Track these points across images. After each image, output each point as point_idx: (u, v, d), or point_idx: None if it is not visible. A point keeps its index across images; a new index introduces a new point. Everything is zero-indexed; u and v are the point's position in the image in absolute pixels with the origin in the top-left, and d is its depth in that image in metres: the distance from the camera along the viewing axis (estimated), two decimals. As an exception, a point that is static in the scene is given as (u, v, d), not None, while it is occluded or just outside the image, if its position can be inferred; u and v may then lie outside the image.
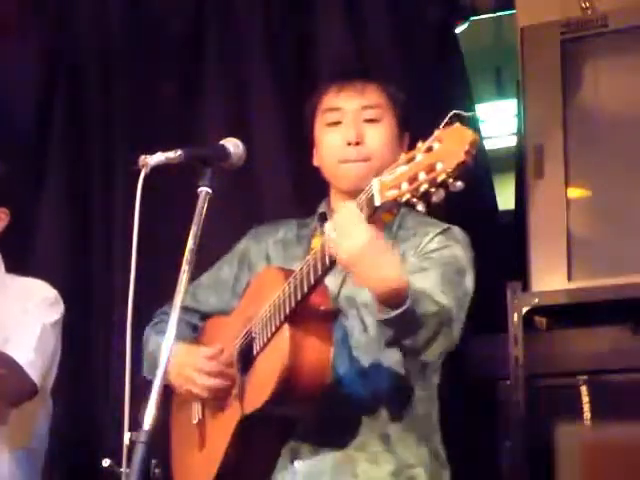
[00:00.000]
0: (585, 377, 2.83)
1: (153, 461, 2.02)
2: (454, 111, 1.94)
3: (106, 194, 3.66)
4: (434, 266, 2.34)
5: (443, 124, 1.94)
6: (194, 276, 2.11)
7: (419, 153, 1.89)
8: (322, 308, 2.24)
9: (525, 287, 2.94)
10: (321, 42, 3.46)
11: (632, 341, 2.84)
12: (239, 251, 2.66)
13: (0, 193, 2.95)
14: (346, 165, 2.48)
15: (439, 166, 1.84)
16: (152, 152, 2.16)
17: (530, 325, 3.00)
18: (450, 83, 3.39)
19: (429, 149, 1.88)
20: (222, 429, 2.42)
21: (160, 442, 2.02)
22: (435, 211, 2.05)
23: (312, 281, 2.16)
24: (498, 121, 5.06)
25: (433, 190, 1.87)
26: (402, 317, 2.08)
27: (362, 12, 3.42)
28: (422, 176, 1.87)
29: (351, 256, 2.04)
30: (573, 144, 2.96)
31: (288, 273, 2.27)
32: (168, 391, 2.40)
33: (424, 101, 3.33)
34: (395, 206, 1.97)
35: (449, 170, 1.84)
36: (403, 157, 1.94)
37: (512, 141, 3.74)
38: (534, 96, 3.05)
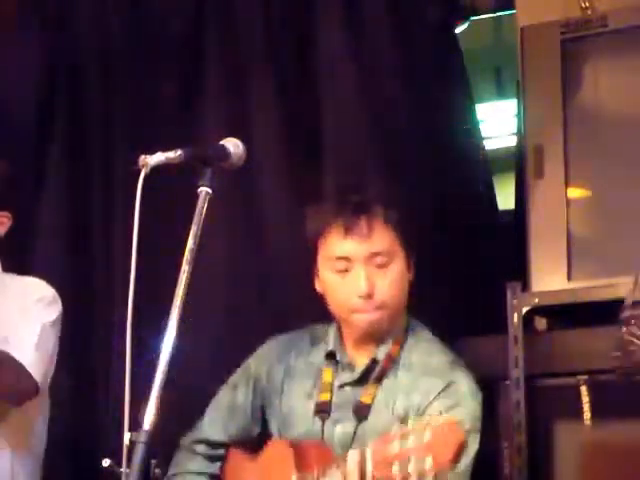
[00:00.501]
0: (585, 377, 2.83)
1: (153, 461, 2.01)
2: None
3: (106, 194, 3.66)
4: None
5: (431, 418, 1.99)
6: (194, 276, 2.11)
7: (412, 435, 1.92)
8: None
9: (525, 287, 2.93)
10: (321, 42, 3.46)
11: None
12: (252, 375, 2.69)
13: (1, 196, 2.94)
14: (359, 315, 2.50)
15: (428, 462, 1.88)
16: (152, 152, 2.16)
17: (530, 325, 3.00)
18: (450, 83, 3.39)
19: (420, 435, 1.90)
20: None
21: (160, 442, 2.02)
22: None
23: None
24: (498, 121, 5.06)
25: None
26: None
27: (362, 12, 3.42)
28: (412, 466, 1.90)
29: None
30: (573, 144, 2.96)
31: (297, 450, 2.34)
32: (168, 392, 2.41)
33: (424, 101, 3.33)
34: None
35: (435, 472, 1.88)
36: (396, 431, 1.96)
37: (512, 141, 3.74)
38: (534, 96, 3.05)
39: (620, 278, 2.84)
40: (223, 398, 2.73)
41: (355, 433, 2.47)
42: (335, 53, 3.42)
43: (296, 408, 2.59)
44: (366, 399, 2.49)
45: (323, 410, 2.54)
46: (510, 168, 3.44)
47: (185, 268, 2.09)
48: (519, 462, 2.88)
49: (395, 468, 1.93)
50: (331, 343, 2.59)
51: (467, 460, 2.37)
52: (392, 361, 2.52)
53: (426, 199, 3.21)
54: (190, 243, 2.11)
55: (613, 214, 2.93)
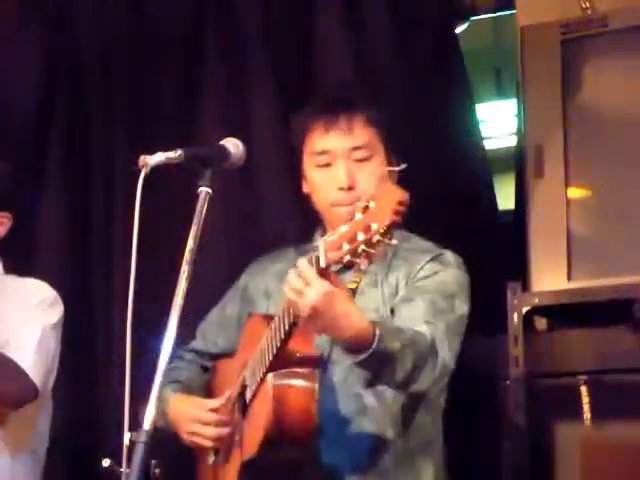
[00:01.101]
0: (585, 377, 2.83)
1: (153, 461, 2.02)
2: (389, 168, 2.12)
3: (106, 194, 3.66)
4: (421, 295, 2.40)
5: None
6: (194, 276, 2.11)
7: (358, 212, 1.98)
8: (304, 355, 2.30)
9: (525, 287, 2.94)
10: (321, 42, 3.46)
11: (632, 341, 2.84)
12: (240, 288, 2.74)
13: (2, 197, 2.94)
14: (339, 209, 2.51)
15: (374, 226, 1.94)
16: (152, 152, 2.16)
17: (530, 325, 3.00)
18: (450, 83, 3.39)
19: (366, 208, 1.96)
20: (230, 473, 2.49)
21: (160, 442, 2.02)
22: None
23: (282, 336, 2.24)
24: (498, 121, 5.06)
25: (370, 250, 1.96)
26: (371, 358, 2.14)
27: (362, 12, 3.42)
28: (360, 236, 1.96)
29: (311, 315, 2.10)
30: (573, 144, 2.96)
31: (270, 320, 2.34)
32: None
33: (424, 102, 3.33)
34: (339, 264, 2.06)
35: (382, 231, 1.94)
36: (345, 217, 2.03)
37: (512, 141, 3.74)
38: (534, 96, 3.05)
39: (620, 278, 2.84)
40: (213, 315, 2.78)
41: None
42: (335, 53, 3.42)
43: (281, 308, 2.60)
44: (351, 284, 2.47)
45: None
46: (510, 168, 3.44)
47: (185, 268, 2.09)
48: (519, 462, 2.88)
49: (345, 245, 1.98)
50: (316, 241, 2.59)
51: (454, 317, 2.41)
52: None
53: (426, 199, 3.21)
54: (190, 243, 2.11)
55: (613, 214, 2.93)
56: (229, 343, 2.71)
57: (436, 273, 2.45)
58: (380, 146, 2.53)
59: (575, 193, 2.98)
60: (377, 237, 1.93)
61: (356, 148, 2.50)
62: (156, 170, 2.13)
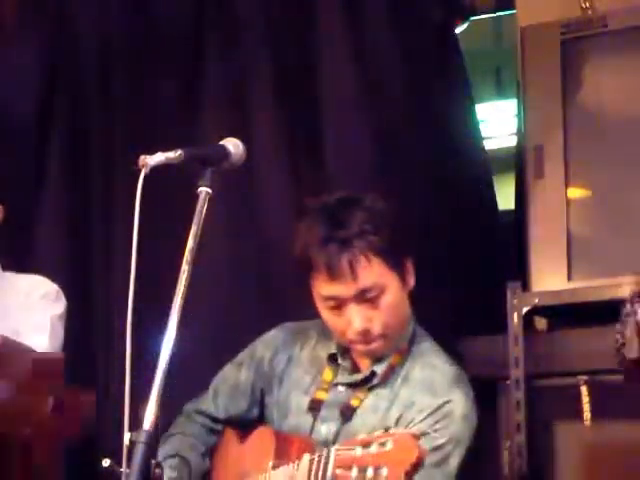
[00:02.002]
0: (585, 377, 2.83)
1: (153, 461, 2.01)
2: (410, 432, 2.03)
3: (106, 194, 3.66)
4: None
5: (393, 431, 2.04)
6: (194, 276, 2.11)
7: (374, 443, 1.96)
8: None
9: (525, 287, 2.94)
10: (321, 42, 3.45)
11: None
12: (257, 358, 2.71)
13: None
14: (358, 346, 2.50)
15: (384, 472, 1.92)
16: (152, 152, 2.16)
17: (530, 325, 3.00)
18: (450, 83, 3.39)
19: (382, 444, 1.94)
20: None
21: (160, 442, 2.02)
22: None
23: None
24: (498, 121, 5.06)
25: None
26: None
27: (362, 12, 3.42)
28: (370, 472, 1.93)
29: None
30: (573, 144, 2.96)
31: (279, 442, 2.39)
32: (168, 393, 2.41)
33: (424, 102, 3.33)
34: None
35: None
36: (363, 436, 1.99)
37: (512, 141, 3.74)
38: (534, 96, 3.05)
39: (620, 278, 2.84)
40: (229, 375, 2.75)
41: (338, 433, 2.49)
42: (335, 53, 3.42)
43: (292, 400, 2.61)
44: (354, 402, 2.50)
45: (316, 408, 2.55)
46: (510, 168, 3.44)
47: (185, 268, 2.09)
48: (519, 462, 2.88)
49: (354, 471, 1.96)
50: (333, 347, 2.59)
51: (444, 474, 2.38)
52: (392, 371, 2.53)
53: (426, 199, 3.21)
54: (190, 243, 2.11)
55: (613, 214, 2.93)
56: (239, 412, 2.71)
57: (435, 430, 2.38)
58: (390, 274, 2.45)
59: (575, 193, 2.98)
60: None
61: (364, 291, 2.43)
62: (156, 170, 2.13)
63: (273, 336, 2.73)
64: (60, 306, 2.93)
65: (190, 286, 2.09)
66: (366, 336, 2.47)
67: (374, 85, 3.35)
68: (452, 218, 3.19)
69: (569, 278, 2.90)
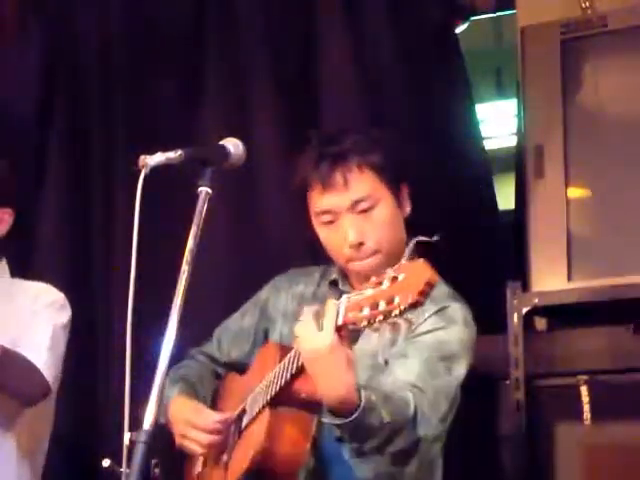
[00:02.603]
0: (585, 377, 2.83)
1: (153, 461, 2.02)
2: (418, 238, 2.07)
3: (106, 194, 3.66)
4: (416, 353, 2.35)
5: (409, 253, 2.16)
6: (194, 276, 2.11)
7: (386, 279, 1.95)
8: (308, 397, 2.26)
9: (525, 287, 2.94)
10: (321, 42, 3.46)
11: (632, 341, 2.84)
12: (261, 301, 2.73)
13: (3, 193, 2.94)
14: (354, 263, 2.49)
15: (396, 300, 1.91)
16: (152, 152, 2.16)
17: (530, 325, 3.00)
18: (450, 83, 3.39)
19: (394, 279, 1.94)
20: None
21: (160, 442, 2.02)
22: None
23: (289, 374, 2.23)
24: (498, 121, 5.06)
25: (386, 321, 1.94)
26: (347, 427, 2.12)
27: (362, 12, 3.42)
28: (381, 306, 1.94)
29: (308, 360, 2.11)
30: (573, 144, 2.96)
31: (284, 352, 2.33)
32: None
33: (424, 102, 3.33)
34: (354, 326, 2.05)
35: (402, 307, 1.90)
36: (373, 280, 1.99)
37: (512, 141, 3.74)
38: (534, 96, 3.05)
39: (620, 278, 2.84)
40: (232, 324, 2.77)
41: None
42: (335, 53, 3.42)
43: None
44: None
45: None
46: (510, 168, 3.44)
47: (185, 268, 2.09)
48: (519, 462, 2.88)
49: (365, 310, 1.96)
50: (335, 273, 2.59)
51: (450, 379, 2.36)
52: None
53: (426, 199, 3.21)
54: (190, 243, 2.11)
55: (613, 214, 2.94)
56: (242, 355, 2.72)
57: (437, 329, 2.38)
58: (384, 189, 2.47)
59: (575, 193, 2.98)
60: (396, 312, 1.91)
61: (357, 201, 2.44)
62: (156, 170, 2.13)
63: (277, 279, 2.74)
64: (65, 315, 2.92)
65: (190, 286, 2.09)
66: (360, 250, 2.45)
67: (374, 85, 3.35)
68: (452, 218, 3.18)
69: (569, 278, 2.90)
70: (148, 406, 1.97)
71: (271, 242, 3.40)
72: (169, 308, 2.07)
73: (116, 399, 2.42)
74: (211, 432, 2.48)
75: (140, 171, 2.13)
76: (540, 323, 3.10)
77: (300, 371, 2.21)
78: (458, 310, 2.44)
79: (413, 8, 3.40)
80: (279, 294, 2.69)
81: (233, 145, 2.25)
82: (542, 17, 3.15)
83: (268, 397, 2.31)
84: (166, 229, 3.20)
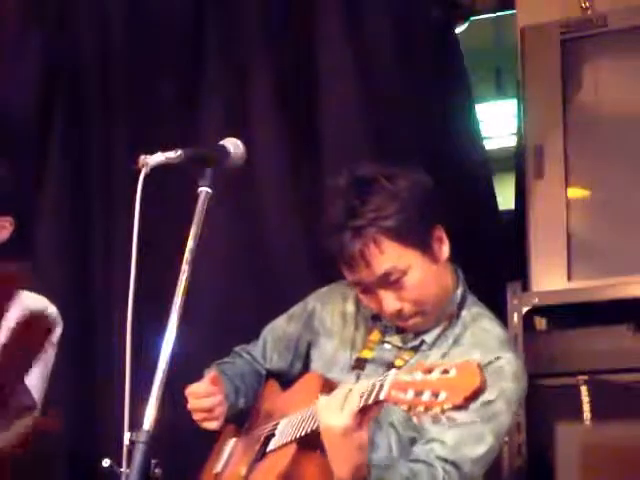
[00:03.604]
0: (585, 377, 2.83)
1: (153, 461, 2.01)
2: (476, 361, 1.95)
3: (106, 194, 3.66)
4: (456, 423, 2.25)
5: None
6: (194, 276, 2.11)
7: (437, 370, 1.92)
8: None
9: (525, 287, 2.94)
10: (321, 42, 3.45)
11: (632, 341, 2.84)
12: (308, 311, 2.71)
13: (4, 200, 2.93)
14: (398, 323, 2.48)
15: (441, 396, 1.88)
16: (152, 152, 2.16)
17: (530, 325, 3.00)
18: (450, 83, 3.39)
19: (445, 372, 1.91)
20: None
21: (160, 442, 2.02)
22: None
23: (315, 427, 2.23)
24: (498, 121, 5.07)
25: (425, 413, 1.91)
26: None
27: (362, 12, 3.42)
28: (426, 396, 1.90)
29: (322, 432, 2.12)
30: (573, 144, 2.96)
31: (326, 388, 2.32)
32: (169, 391, 2.41)
33: (424, 102, 3.33)
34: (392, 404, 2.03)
35: (445, 407, 1.87)
36: (424, 365, 1.96)
37: (512, 141, 3.75)
38: (534, 96, 3.05)
39: (620, 278, 2.84)
40: (279, 325, 2.76)
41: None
42: (335, 53, 3.42)
43: (339, 356, 2.58)
44: (398, 362, 2.45)
45: (359, 366, 2.52)
46: (510, 168, 3.44)
47: (185, 268, 2.09)
48: (519, 462, 2.88)
49: (410, 394, 1.93)
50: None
51: (485, 448, 2.32)
52: (442, 335, 2.48)
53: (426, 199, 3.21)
54: (190, 243, 2.11)
55: (613, 214, 2.94)
56: (283, 365, 2.73)
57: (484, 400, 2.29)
58: (410, 253, 2.39)
59: (575, 193, 2.98)
60: (437, 409, 1.88)
61: (385, 275, 2.38)
62: (156, 170, 2.13)
63: (327, 290, 2.71)
64: (55, 333, 2.90)
65: (190, 286, 2.09)
66: (400, 316, 2.43)
67: (374, 85, 3.35)
68: (452, 218, 3.18)
69: (569, 278, 2.90)
70: (148, 406, 1.97)
71: (271, 242, 3.40)
72: (169, 308, 2.07)
73: (116, 399, 2.42)
74: (207, 395, 2.49)
75: (140, 171, 2.13)
76: (540, 323, 3.10)
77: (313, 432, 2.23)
78: (510, 365, 2.38)
79: (413, 8, 3.40)
80: (326, 308, 2.67)
81: (233, 145, 2.25)
82: (542, 17, 3.15)
83: (298, 434, 2.30)
84: (166, 229, 3.20)
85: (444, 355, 2.44)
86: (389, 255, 2.37)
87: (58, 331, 2.91)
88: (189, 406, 2.53)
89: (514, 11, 3.50)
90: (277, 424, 2.47)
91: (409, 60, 3.36)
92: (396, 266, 2.38)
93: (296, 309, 2.75)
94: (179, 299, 2.07)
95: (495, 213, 3.41)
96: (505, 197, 3.50)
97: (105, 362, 3.52)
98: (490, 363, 2.34)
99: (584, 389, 2.82)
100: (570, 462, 2.86)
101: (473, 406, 2.06)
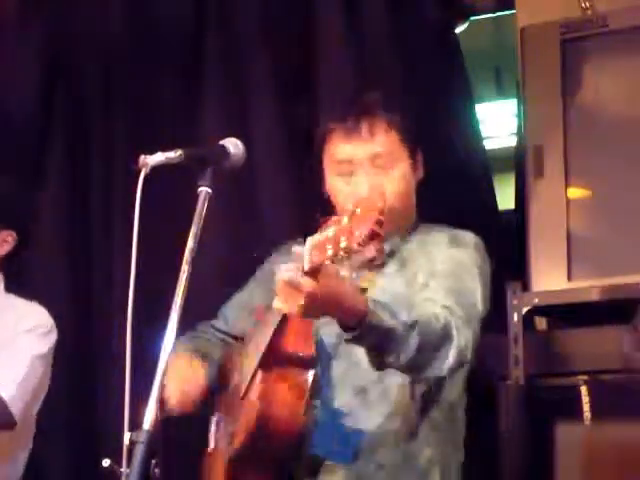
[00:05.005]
0: (585, 377, 2.83)
1: (153, 461, 2.01)
2: None
3: (106, 194, 3.66)
4: (438, 279, 2.38)
5: None
6: (194, 276, 2.11)
7: (346, 216, 1.94)
8: (297, 354, 2.29)
9: (525, 287, 2.94)
10: (321, 42, 3.46)
11: (632, 341, 2.84)
12: (265, 272, 2.70)
13: (7, 215, 2.92)
14: (367, 209, 2.47)
15: (356, 233, 1.90)
16: (152, 152, 2.16)
17: (530, 325, 3.00)
18: (450, 83, 3.39)
19: (353, 213, 1.93)
20: (219, 464, 2.49)
21: (160, 442, 2.02)
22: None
23: (271, 332, 2.26)
24: (498, 121, 5.07)
25: (348, 255, 1.93)
26: (364, 332, 2.10)
27: (362, 12, 3.42)
28: (342, 242, 1.92)
29: (301, 314, 2.08)
30: (573, 144, 2.96)
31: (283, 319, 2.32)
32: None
33: (424, 102, 3.33)
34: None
35: (360, 240, 1.89)
36: (335, 218, 1.98)
37: (512, 141, 3.74)
38: (534, 96, 3.05)
39: (620, 278, 2.84)
40: (236, 299, 2.77)
41: None
42: (335, 53, 3.42)
43: None
44: (364, 283, 2.45)
45: None
46: (510, 168, 3.44)
47: (185, 268, 2.09)
48: (519, 462, 2.88)
49: (329, 249, 1.94)
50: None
51: (471, 299, 2.37)
52: (397, 250, 2.52)
53: (426, 199, 3.21)
54: (190, 243, 2.11)
55: (613, 214, 2.93)
56: (250, 326, 2.68)
57: (453, 256, 2.43)
58: (404, 153, 2.49)
59: (575, 193, 2.98)
60: (355, 245, 1.90)
61: (377, 156, 2.46)
62: (156, 170, 2.13)
63: (274, 254, 2.73)
64: (45, 344, 2.88)
65: (190, 286, 2.09)
66: (370, 204, 2.44)
67: (374, 85, 3.35)
68: (452, 218, 3.18)
69: (569, 278, 2.90)
70: (148, 406, 1.97)
71: (271, 242, 3.40)
72: (169, 308, 2.07)
73: (116, 399, 2.42)
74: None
75: (140, 171, 2.13)
76: (540, 323, 3.10)
77: (280, 329, 2.23)
78: (471, 237, 2.50)
79: (413, 8, 3.41)
80: (283, 257, 2.62)
81: (233, 145, 2.26)
82: (542, 17, 3.15)
83: (257, 360, 2.31)
84: (166, 229, 3.20)
85: (402, 258, 2.48)
86: (392, 139, 2.47)
87: (51, 343, 2.90)
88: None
89: (514, 11, 3.50)
90: (241, 369, 2.47)
91: (409, 60, 3.36)
92: (393, 152, 2.47)
93: (250, 281, 2.75)
94: (179, 299, 2.07)
95: (495, 213, 3.41)
96: (505, 197, 3.50)
97: (105, 362, 3.52)
98: (453, 237, 2.49)
99: (584, 389, 2.82)
100: (570, 462, 2.85)
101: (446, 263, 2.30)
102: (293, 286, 2.03)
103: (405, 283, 2.45)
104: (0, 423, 2.79)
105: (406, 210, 2.53)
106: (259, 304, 2.59)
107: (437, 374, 2.26)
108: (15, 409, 2.77)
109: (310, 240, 2.03)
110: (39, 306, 2.95)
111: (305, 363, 2.32)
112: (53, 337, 2.90)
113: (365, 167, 2.46)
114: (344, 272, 2.24)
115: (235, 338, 2.74)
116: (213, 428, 2.63)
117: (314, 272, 2.02)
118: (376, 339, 2.12)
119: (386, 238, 2.49)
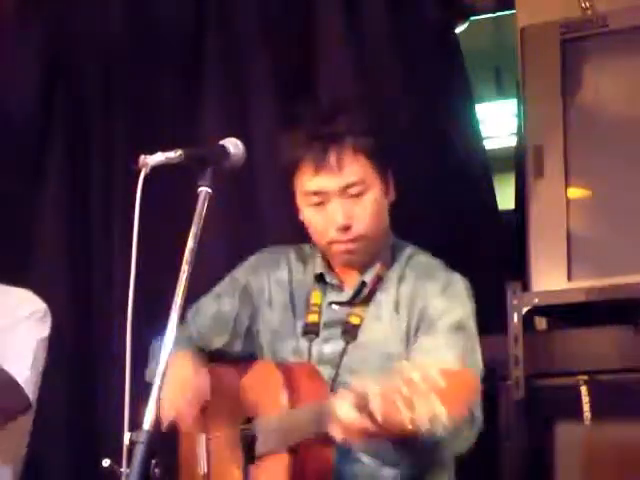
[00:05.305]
0: (585, 377, 2.83)
1: (153, 461, 2.01)
2: None
3: (106, 194, 3.66)
4: (446, 337, 2.39)
5: None
6: (192, 278, 2.11)
7: (424, 383, 1.89)
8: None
9: (525, 287, 2.94)
10: (321, 42, 3.46)
11: (632, 341, 2.84)
12: (240, 286, 2.66)
13: None
14: (337, 246, 2.49)
15: (440, 409, 1.86)
16: (152, 152, 2.16)
17: (530, 325, 3.00)
18: (450, 83, 3.39)
19: (431, 384, 1.88)
20: None
21: (160, 442, 2.02)
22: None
23: (312, 436, 2.22)
24: (498, 121, 5.07)
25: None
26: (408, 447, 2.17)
27: (362, 12, 3.42)
28: (405, 413, 1.89)
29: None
30: (573, 144, 2.96)
31: (287, 379, 2.32)
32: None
33: (424, 102, 3.33)
34: None
35: (419, 420, 1.87)
36: (404, 368, 1.93)
37: (512, 141, 3.75)
38: (534, 96, 3.05)
39: (620, 278, 2.84)
40: (207, 308, 2.67)
41: (345, 351, 2.46)
42: (335, 53, 3.42)
43: (284, 323, 2.57)
44: (354, 319, 2.48)
45: (311, 331, 2.53)
46: (510, 168, 3.45)
47: (185, 268, 2.09)
48: (519, 462, 2.88)
49: (405, 413, 1.89)
50: (318, 266, 2.57)
51: (477, 362, 2.42)
52: (380, 281, 2.52)
53: (426, 199, 3.21)
54: (190, 243, 2.11)
55: (613, 214, 2.93)
56: (224, 344, 2.65)
57: (449, 311, 2.44)
58: (375, 177, 2.47)
59: (575, 193, 2.98)
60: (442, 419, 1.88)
61: (349, 186, 2.44)
62: (156, 170, 2.13)
63: (254, 260, 2.69)
64: (45, 328, 2.88)
65: (190, 286, 2.09)
66: (347, 233, 2.45)
67: (374, 85, 3.35)
68: (452, 218, 3.18)
69: (569, 278, 2.90)
70: (148, 406, 1.97)
71: (271, 242, 3.40)
72: (169, 308, 2.07)
73: (116, 399, 2.42)
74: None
75: (140, 171, 2.13)
76: (540, 323, 3.10)
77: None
78: (461, 283, 2.49)
79: (413, 8, 3.41)
80: (259, 278, 2.64)
81: (233, 145, 2.26)
82: (542, 17, 3.15)
83: (289, 443, 2.27)
84: (166, 229, 3.20)
85: (396, 300, 2.47)
86: (362, 166, 2.44)
87: (49, 327, 2.91)
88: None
89: (514, 11, 3.50)
90: (251, 421, 2.43)
91: (409, 60, 3.36)
92: (364, 180, 2.45)
93: (223, 287, 2.68)
94: (179, 299, 2.07)
95: (495, 213, 3.41)
96: (505, 197, 3.50)
97: (105, 362, 3.52)
98: (446, 288, 2.45)
99: (584, 389, 2.82)
100: (570, 462, 2.86)
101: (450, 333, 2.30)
102: (355, 427, 2.04)
103: (400, 333, 2.45)
104: (17, 405, 2.80)
105: (380, 235, 2.52)
106: (269, 361, 2.54)
107: (458, 452, 2.33)
108: (29, 391, 2.78)
109: (377, 387, 1.97)
110: (29, 292, 2.95)
111: (330, 441, 2.24)
112: (50, 320, 2.92)
113: (337, 197, 2.45)
114: None
115: (201, 350, 2.65)
116: (203, 449, 2.58)
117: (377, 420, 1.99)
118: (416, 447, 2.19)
119: (366, 266, 2.51)
